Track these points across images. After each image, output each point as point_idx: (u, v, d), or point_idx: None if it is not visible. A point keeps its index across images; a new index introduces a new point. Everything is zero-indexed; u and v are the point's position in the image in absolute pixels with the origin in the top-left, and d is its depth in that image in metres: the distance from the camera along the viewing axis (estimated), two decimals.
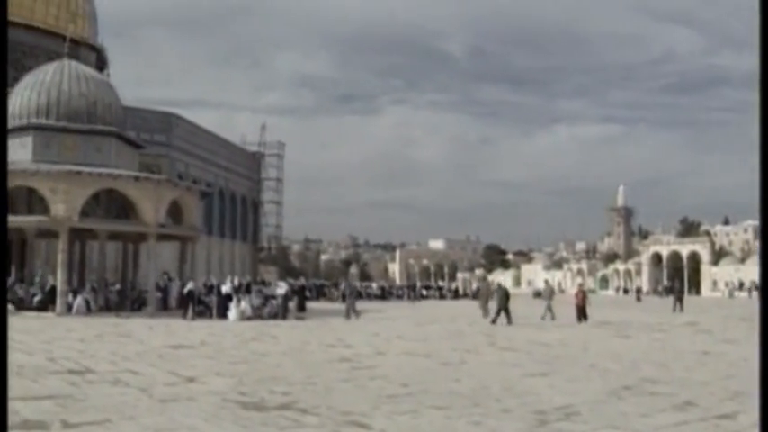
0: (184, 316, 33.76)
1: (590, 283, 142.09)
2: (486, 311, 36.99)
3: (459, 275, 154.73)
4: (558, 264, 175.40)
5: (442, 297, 79.19)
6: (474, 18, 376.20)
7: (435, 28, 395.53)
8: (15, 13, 65.74)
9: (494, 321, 32.31)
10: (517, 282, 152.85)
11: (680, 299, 47.79)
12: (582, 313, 34.62)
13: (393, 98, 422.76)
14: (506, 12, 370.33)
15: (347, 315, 35.99)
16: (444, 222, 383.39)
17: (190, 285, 36.15)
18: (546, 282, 45.00)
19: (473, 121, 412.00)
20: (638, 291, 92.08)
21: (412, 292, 75.28)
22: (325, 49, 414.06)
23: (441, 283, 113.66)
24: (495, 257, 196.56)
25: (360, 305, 41.07)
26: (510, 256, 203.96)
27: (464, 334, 27.50)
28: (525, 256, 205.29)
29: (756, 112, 10.17)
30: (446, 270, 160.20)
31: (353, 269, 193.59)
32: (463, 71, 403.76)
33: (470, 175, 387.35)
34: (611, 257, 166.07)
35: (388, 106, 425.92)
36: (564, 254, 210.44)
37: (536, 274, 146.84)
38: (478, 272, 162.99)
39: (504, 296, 34.11)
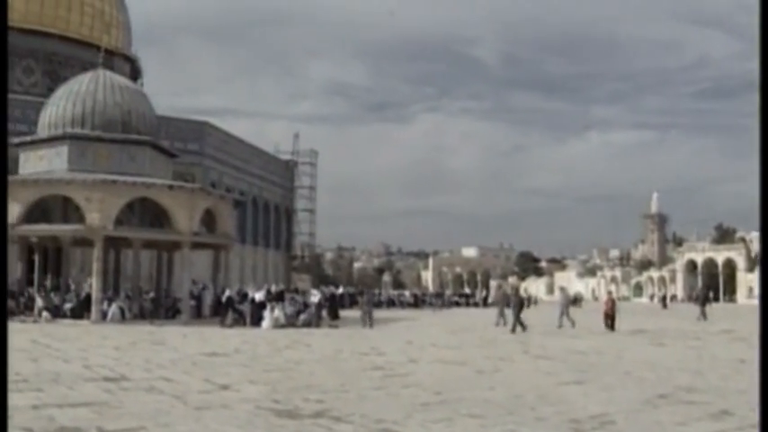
0: (222, 323, 33.88)
1: (624, 290, 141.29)
2: (502, 320, 36.38)
3: (493, 283, 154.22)
4: (591, 271, 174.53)
5: (473, 305, 78.81)
6: (506, 24, 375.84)
7: (468, 35, 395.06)
8: (50, 24, 66.49)
9: (513, 330, 31.96)
10: (550, 289, 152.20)
11: (703, 306, 47.43)
12: (611, 321, 34.17)
13: (426, 106, 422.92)
14: (539, 18, 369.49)
15: (363, 323, 35.80)
16: (477, 230, 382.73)
17: (227, 293, 36.32)
18: (562, 289, 44.62)
19: (506, 128, 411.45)
20: (664, 298, 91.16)
21: (436, 299, 74.75)
22: (358, 57, 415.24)
23: (467, 290, 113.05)
24: (529, 265, 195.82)
25: (392, 313, 41.07)
26: (543, 264, 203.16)
27: (497, 342, 27.41)
28: (558, 264, 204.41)
29: None
30: (479, 278, 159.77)
31: (386, 277, 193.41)
32: (496, 78, 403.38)
33: (503, 182, 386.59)
34: (645, 265, 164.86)
35: (421, 114, 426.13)
36: (597, 261, 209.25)
37: (569, 281, 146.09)
38: (511, 279, 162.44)
39: (519, 304, 33.91)
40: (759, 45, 10.51)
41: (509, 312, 34.91)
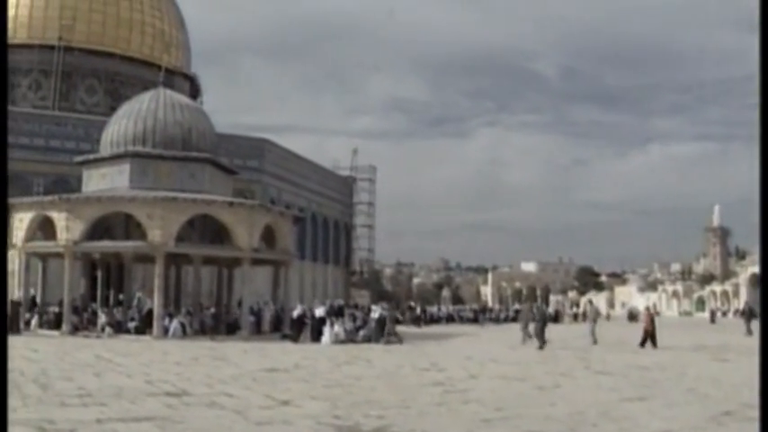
0: (295, 339, 33.95)
1: (686, 305, 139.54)
2: (527, 336, 35.07)
3: (552, 298, 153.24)
4: (652, 285, 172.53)
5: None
6: (565, 37, 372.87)
7: (526, 48, 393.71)
8: (112, 44, 67.48)
9: (541, 347, 31.30)
10: (611, 304, 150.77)
11: (748, 322, 46.72)
12: (651, 337, 33.08)
13: (485, 120, 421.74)
14: (598, 29, 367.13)
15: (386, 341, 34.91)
16: (537, 244, 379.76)
17: (299, 310, 36.46)
18: (590, 303, 44.03)
19: (565, 141, 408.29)
20: (713, 312, 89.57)
21: (481, 314, 73.88)
22: (416, 71, 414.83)
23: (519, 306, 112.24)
24: (589, 279, 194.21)
25: (451, 329, 40.90)
26: (603, 278, 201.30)
27: (558, 357, 27.22)
28: (619, 278, 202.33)
29: None
30: (539, 293, 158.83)
31: (445, 292, 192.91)
32: (555, 91, 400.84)
33: (563, 196, 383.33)
34: (707, 279, 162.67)
35: (480, 128, 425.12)
36: (658, 275, 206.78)
37: (630, 296, 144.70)
38: (571, 294, 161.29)
39: (542, 319, 33.36)
40: (759, 45, 10.38)
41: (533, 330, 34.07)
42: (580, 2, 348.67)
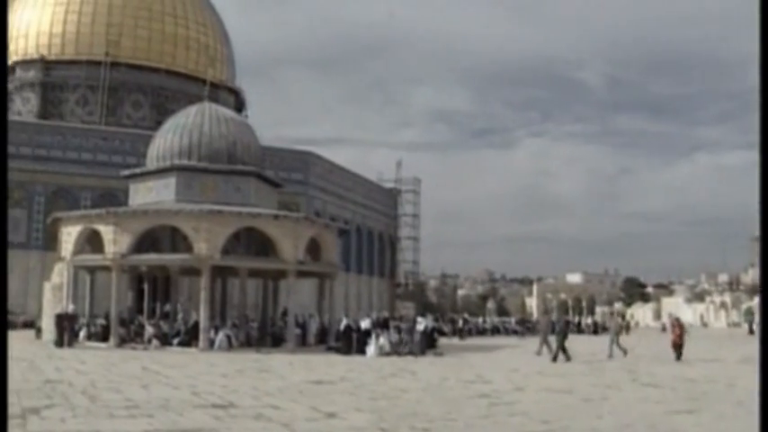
0: (347, 352, 33.93)
1: (734, 316, 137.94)
2: (545, 348, 34.11)
3: (598, 309, 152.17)
4: (699, 296, 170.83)
5: (580, 332, 77.46)
6: (610, 46, 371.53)
7: (571, 58, 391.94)
8: (158, 60, 68.30)
9: (554, 359, 30.54)
10: (657, 315, 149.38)
11: None
12: (678, 350, 32.25)
13: (530, 131, 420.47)
14: (643, 38, 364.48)
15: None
16: (582, 255, 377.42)
17: (345, 321, 36.49)
18: (612, 315, 43.28)
19: (611, 151, 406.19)
20: (751, 323, 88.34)
21: (520, 326, 73.20)
22: (460, 83, 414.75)
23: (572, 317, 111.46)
24: (635, 290, 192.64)
25: (497, 341, 40.71)
26: (650, 289, 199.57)
27: (604, 369, 27.01)
28: (666, 289, 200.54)
29: None
30: (584, 304, 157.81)
31: (490, 304, 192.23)
32: (601, 100, 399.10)
33: (609, 206, 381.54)
34: (756, 289, 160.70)
35: (525, 139, 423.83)
36: (706, 286, 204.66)
37: (677, 307, 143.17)
38: (617, 305, 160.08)
39: (562, 331, 32.84)
40: (759, 45, 10.27)
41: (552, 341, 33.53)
42: (624, 10, 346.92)
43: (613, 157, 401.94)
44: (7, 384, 11.36)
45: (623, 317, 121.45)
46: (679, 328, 33.42)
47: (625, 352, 34.21)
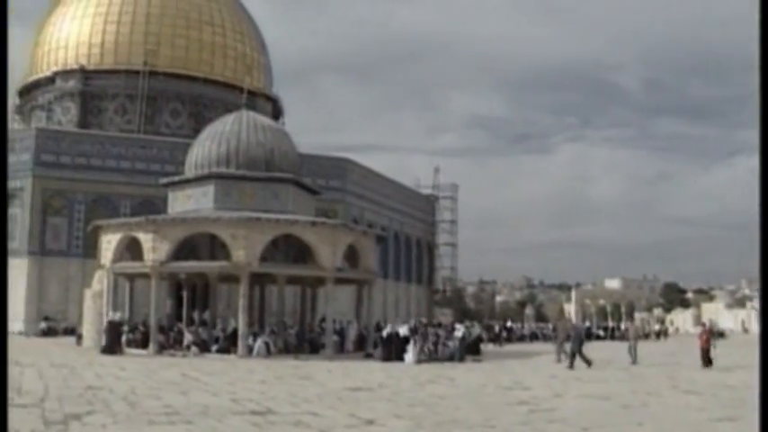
0: (387, 359, 33.84)
1: None
2: (562, 354, 33.93)
3: (637, 315, 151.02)
4: (740, 302, 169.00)
5: (612, 338, 76.59)
6: (647, 49, 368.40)
7: (609, 62, 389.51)
8: (195, 68, 68.75)
9: (571, 366, 30.30)
10: (698, 321, 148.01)
11: None
12: (706, 357, 31.59)
13: (567, 136, 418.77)
14: (681, 40, 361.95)
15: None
16: (621, 261, 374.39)
17: (388, 329, 36.44)
18: (631, 321, 42.72)
19: (650, 155, 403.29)
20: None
21: (554, 333, 71.88)
22: (498, 88, 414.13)
23: (611, 323, 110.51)
24: (674, 296, 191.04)
25: (535, 347, 40.49)
26: (690, 295, 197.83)
27: (644, 376, 26.81)
28: (706, 295, 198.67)
29: None
30: (623, 310, 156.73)
31: (528, 310, 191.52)
32: (639, 104, 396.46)
33: (648, 211, 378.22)
34: None
35: (563, 144, 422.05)
36: (747, 291, 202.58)
37: (718, 313, 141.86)
38: (657, 311, 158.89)
39: (578, 337, 32.45)
40: (759, 45, 10.15)
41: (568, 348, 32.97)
42: (662, 12, 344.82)
43: (652, 162, 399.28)
44: (7, 385, 11.49)
45: (663, 321, 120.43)
46: (706, 335, 32.93)
47: (634, 359, 33.73)
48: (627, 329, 38.61)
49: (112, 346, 34.04)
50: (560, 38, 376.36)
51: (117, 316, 36.17)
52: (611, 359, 36.42)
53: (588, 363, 30.61)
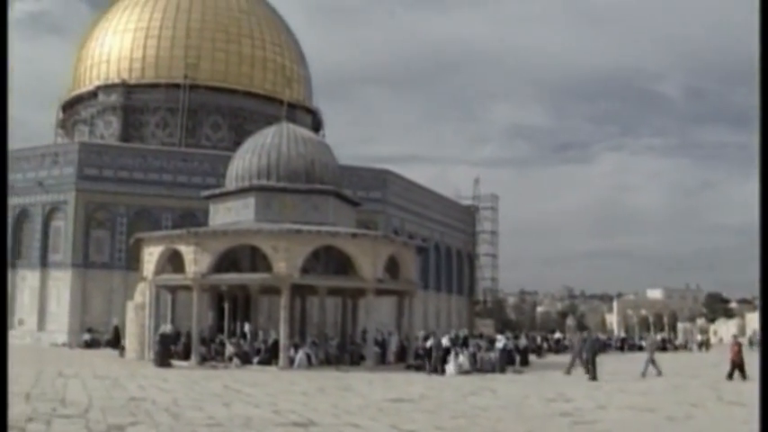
0: (434, 370, 33.75)
1: None
2: (573, 367, 33.71)
3: (680, 326, 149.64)
4: None
5: (663, 349, 75.86)
6: (689, 56, 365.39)
7: (649, 69, 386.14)
8: (235, 81, 69.09)
9: (593, 378, 30.08)
10: (742, 331, 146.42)
11: None
12: (739, 369, 30.74)
13: (609, 145, 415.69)
14: (723, 47, 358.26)
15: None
16: (663, 271, 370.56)
17: (431, 341, 36.35)
18: (648, 332, 42.00)
19: (692, 164, 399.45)
20: None
21: (583, 343, 69.64)
22: (538, 98, 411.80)
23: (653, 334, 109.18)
24: (718, 306, 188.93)
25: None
26: (733, 305, 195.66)
27: (688, 387, 26.57)
28: (750, 304, 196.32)
29: None
30: (665, 320, 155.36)
31: (570, 321, 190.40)
32: (680, 112, 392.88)
33: (690, 220, 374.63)
34: None
35: (604, 153, 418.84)
36: None
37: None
38: (700, 322, 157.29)
39: (592, 348, 32.03)
40: (759, 45, 10.08)
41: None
42: (702, 19, 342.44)
43: (694, 171, 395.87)
44: (7, 387, 11.59)
45: (706, 332, 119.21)
46: (738, 346, 32.27)
47: (644, 372, 33.28)
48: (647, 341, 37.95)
49: (165, 358, 34.05)
50: (601, 46, 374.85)
51: (168, 328, 36.26)
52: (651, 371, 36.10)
53: (594, 377, 30.29)
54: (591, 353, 31.50)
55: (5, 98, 15.54)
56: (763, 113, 9.69)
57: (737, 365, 31.06)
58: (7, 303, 34.92)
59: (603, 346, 53.44)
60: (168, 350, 34.76)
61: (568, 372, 33.44)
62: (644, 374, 33.02)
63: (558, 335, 72.31)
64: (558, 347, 61.04)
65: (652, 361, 34.08)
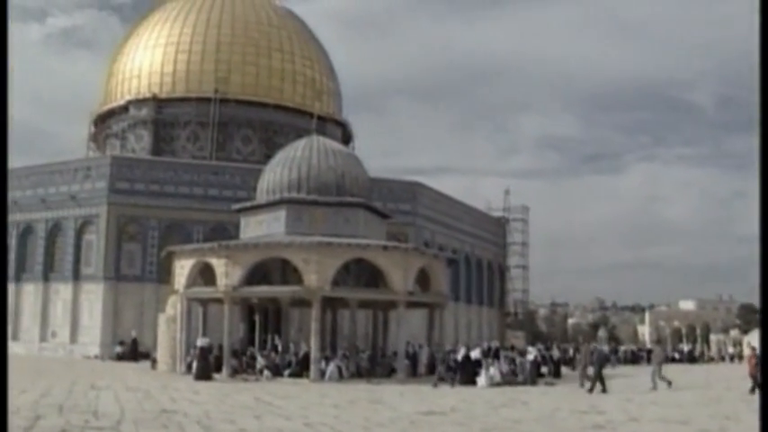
0: (466, 382, 33.57)
1: None
2: (585, 379, 32.94)
3: (713, 337, 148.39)
4: None
5: (692, 361, 75.18)
6: (720, 64, 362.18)
7: (681, 79, 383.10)
8: (265, 95, 69.38)
9: (590, 390, 29.71)
10: None
11: None
12: (756, 381, 29.54)
13: (640, 155, 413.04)
14: (754, 54, 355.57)
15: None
16: (695, 281, 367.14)
17: (462, 352, 36.25)
18: (657, 343, 41.33)
19: (724, 173, 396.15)
20: None
21: (614, 355, 65.83)
22: (569, 108, 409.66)
23: (686, 346, 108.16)
24: (751, 317, 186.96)
25: (608, 370, 39.81)
26: None
27: (722, 400, 26.35)
28: None
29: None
30: (698, 332, 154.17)
31: (601, 332, 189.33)
32: (712, 122, 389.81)
33: (722, 230, 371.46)
34: None
35: (636, 163, 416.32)
36: None
37: None
38: (733, 333, 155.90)
39: (599, 360, 31.72)
40: (759, 45, 9.99)
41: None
42: (732, 26, 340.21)
43: (726, 180, 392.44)
44: (7, 389, 11.65)
45: (740, 343, 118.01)
46: (755, 359, 30.91)
47: (669, 382, 32.69)
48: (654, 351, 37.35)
49: (207, 371, 33.98)
50: (631, 56, 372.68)
51: (206, 342, 36.28)
52: (690, 384, 35.84)
53: (604, 389, 29.94)
54: (598, 365, 31.25)
55: (5, 98, 15.63)
56: (763, 113, 9.62)
57: (756, 379, 29.79)
58: (7, 306, 34.89)
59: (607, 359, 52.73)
60: (209, 363, 34.75)
61: (582, 385, 33.08)
62: (655, 387, 32.56)
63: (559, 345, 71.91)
64: (575, 358, 60.61)
65: (657, 373, 33.65)
